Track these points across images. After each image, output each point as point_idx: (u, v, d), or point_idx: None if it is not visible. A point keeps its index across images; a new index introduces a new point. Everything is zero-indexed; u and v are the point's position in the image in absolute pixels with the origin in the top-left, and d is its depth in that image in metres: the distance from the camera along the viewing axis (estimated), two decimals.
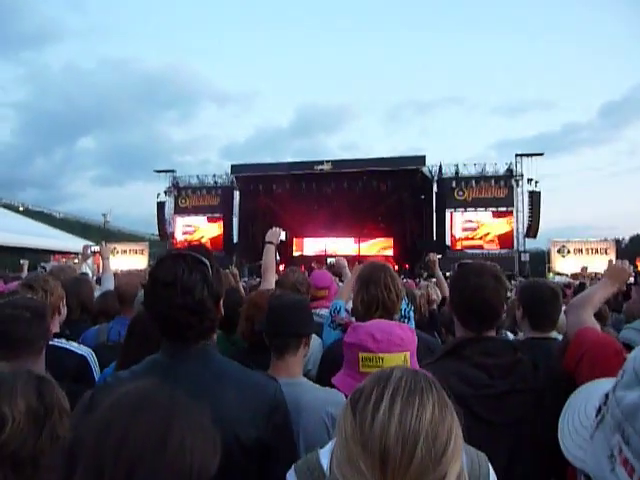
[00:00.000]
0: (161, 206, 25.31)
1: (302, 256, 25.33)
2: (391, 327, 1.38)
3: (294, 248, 26.18)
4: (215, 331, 1.42)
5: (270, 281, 2.83)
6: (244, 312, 2.15)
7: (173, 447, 0.73)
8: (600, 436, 0.47)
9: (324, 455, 1.07)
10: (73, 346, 2.27)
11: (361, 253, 23.55)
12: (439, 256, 4.56)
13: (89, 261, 5.96)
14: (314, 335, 2.25)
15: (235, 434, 1.24)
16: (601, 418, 0.48)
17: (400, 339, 1.34)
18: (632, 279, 2.00)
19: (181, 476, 0.72)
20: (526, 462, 1.38)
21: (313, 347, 2.37)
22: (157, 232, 26.12)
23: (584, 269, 7.38)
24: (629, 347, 1.78)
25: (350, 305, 3.00)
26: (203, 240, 23.21)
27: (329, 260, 22.58)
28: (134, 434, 0.72)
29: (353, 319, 2.72)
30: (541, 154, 22.15)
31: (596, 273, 11.74)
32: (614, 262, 2.07)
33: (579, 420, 0.74)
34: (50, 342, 2.12)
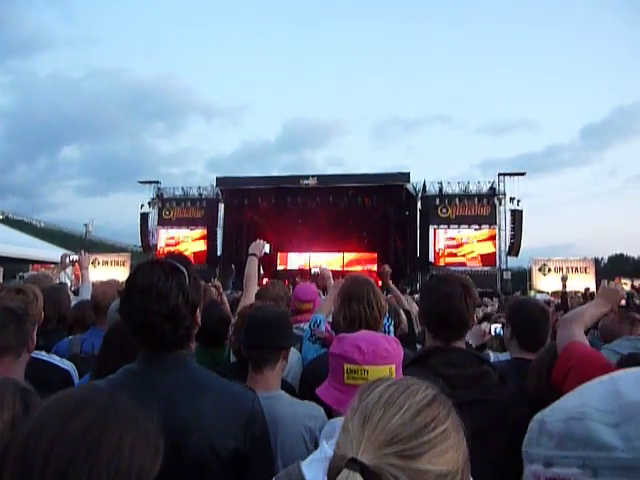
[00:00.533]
0: (144, 217, 25.08)
1: (286, 270, 25.23)
2: (377, 339, 1.36)
3: (278, 262, 26.08)
4: (192, 340, 1.41)
5: (251, 293, 2.81)
6: (236, 326, 2.11)
7: (108, 449, 0.69)
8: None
9: (306, 467, 1.05)
10: (56, 360, 2.22)
11: (345, 268, 23.55)
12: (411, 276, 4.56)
13: (68, 271, 5.86)
14: (293, 349, 2.23)
15: (212, 444, 1.23)
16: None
17: (386, 351, 1.32)
18: (624, 301, 2.02)
19: (118, 479, 0.69)
20: (489, 474, 1.37)
21: (292, 361, 2.35)
22: (140, 243, 25.83)
23: (564, 279, 7.42)
24: None
25: (330, 319, 2.99)
26: (186, 253, 23.02)
27: (313, 270, 22.59)
28: (66, 437, 0.69)
29: (333, 333, 2.71)
30: (523, 174, 22.53)
31: (576, 292, 11.89)
32: (607, 284, 2.13)
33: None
34: (33, 354, 2.07)
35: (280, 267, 25.84)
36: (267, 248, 3.11)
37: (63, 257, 4.63)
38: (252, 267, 2.91)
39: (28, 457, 0.67)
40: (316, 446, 1.62)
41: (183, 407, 1.24)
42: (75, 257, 4.46)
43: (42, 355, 2.19)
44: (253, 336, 1.78)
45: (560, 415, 0.49)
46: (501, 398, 1.50)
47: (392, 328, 2.58)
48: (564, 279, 7.53)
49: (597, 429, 0.44)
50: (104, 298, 2.64)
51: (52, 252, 11.81)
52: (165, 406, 1.20)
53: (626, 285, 17.13)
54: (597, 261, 29.34)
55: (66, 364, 2.22)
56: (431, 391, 0.76)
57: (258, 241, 3.07)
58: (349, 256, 25.38)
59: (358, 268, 23.93)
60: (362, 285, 2.17)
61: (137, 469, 0.71)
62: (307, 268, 24.16)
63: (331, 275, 3.55)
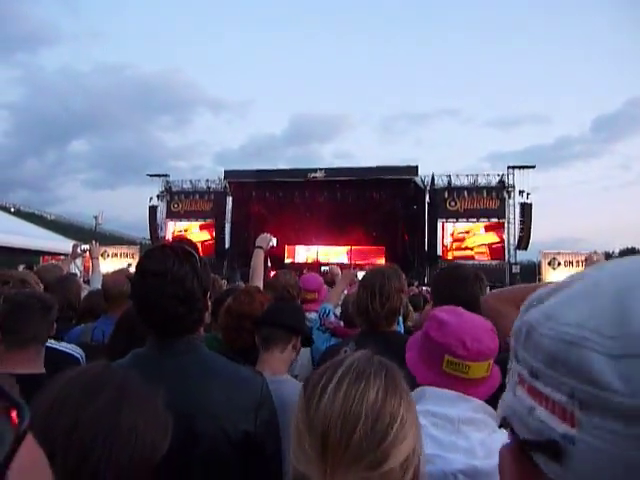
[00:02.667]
0: (153, 210, 25.23)
1: (293, 263, 25.25)
2: (481, 335, 1.30)
3: (285, 255, 26.12)
4: (202, 324, 1.42)
5: (257, 285, 2.81)
6: (224, 318, 2.12)
7: (125, 428, 0.72)
8: (510, 376, 0.46)
9: None
10: (67, 347, 2.24)
11: (352, 261, 23.57)
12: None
13: (78, 262, 5.91)
14: (304, 349, 2.25)
15: (223, 428, 1.24)
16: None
17: (488, 348, 1.28)
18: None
19: (133, 458, 0.72)
20: None
21: (302, 359, 2.37)
22: (148, 236, 25.99)
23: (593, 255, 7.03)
24: None
25: (338, 309, 3.00)
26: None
27: (323, 268, 22.60)
28: (87, 416, 0.71)
29: (341, 323, 2.72)
30: (533, 167, 22.35)
31: None
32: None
33: None
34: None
35: (287, 260, 25.88)
36: (274, 241, 3.12)
37: (74, 247, 4.67)
38: (258, 260, 2.91)
39: (50, 436, 0.68)
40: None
41: (194, 391, 1.25)
42: (86, 247, 4.50)
43: (52, 343, 2.22)
44: (271, 312, 1.84)
45: (552, 331, 0.40)
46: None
47: (401, 319, 2.59)
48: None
49: (593, 360, 0.36)
50: (114, 286, 2.67)
51: (62, 244, 11.89)
52: (176, 390, 1.21)
53: None
54: (608, 255, 29.11)
55: (76, 351, 2.24)
56: (375, 380, 0.74)
57: (265, 234, 3.09)
58: (356, 249, 25.38)
59: (365, 261, 23.95)
60: (384, 276, 2.10)
61: (150, 446, 0.74)
62: (315, 261, 24.20)
63: (340, 273, 3.58)
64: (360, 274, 3.30)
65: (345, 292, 3.17)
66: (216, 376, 1.31)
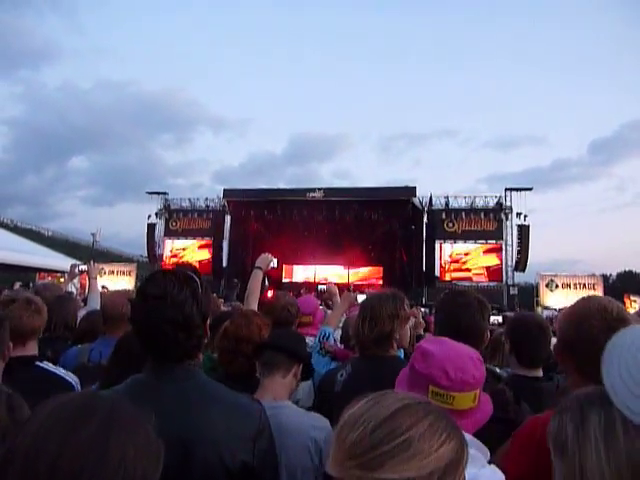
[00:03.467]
0: (151, 228, 25.22)
1: (291, 282, 25.20)
2: (465, 363, 1.29)
3: (283, 274, 26.07)
4: (201, 350, 1.41)
5: (252, 306, 2.79)
6: (219, 339, 2.10)
7: (113, 462, 0.69)
8: None
9: None
10: (61, 372, 2.21)
11: (350, 281, 23.51)
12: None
13: (75, 280, 5.89)
14: (305, 383, 2.25)
15: (220, 456, 1.23)
16: None
17: (473, 377, 1.27)
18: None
19: None
20: None
21: (303, 390, 2.36)
22: (146, 254, 25.94)
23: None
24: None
25: (338, 333, 2.98)
26: (191, 261, 23.10)
27: (320, 287, 22.42)
28: (73, 446, 0.68)
29: (341, 346, 2.71)
30: (530, 189, 22.50)
31: None
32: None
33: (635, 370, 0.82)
34: (40, 365, 2.08)
35: (285, 280, 25.82)
36: (274, 263, 3.11)
37: (72, 267, 4.67)
38: (256, 280, 2.88)
39: (33, 466, 0.66)
40: (320, 456, 1.63)
41: (192, 418, 1.24)
42: (84, 267, 4.49)
43: (48, 366, 2.20)
44: (272, 338, 1.86)
45: None
46: (518, 419, 1.49)
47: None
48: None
49: None
50: (113, 308, 2.66)
51: (59, 261, 11.86)
52: (174, 416, 1.22)
53: (635, 302, 16.96)
54: (605, 277, 29.18)
55: (71, 377, 2.21)
56: (399, 403, 0.80)
57: (266, 255, 3.07)
58: (354, 269, 25.35)
59: (363, 281, 23.89)
60: (382, 301, 2.07)
61: (140, 477, 0.71)
62: (312, 281, 24.12)
63: (337, 292, 3.54)
64: (361, 297, 3.29)
65: (344, 315, 3.15)
66: (215, 403, 1.29)
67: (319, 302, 3.67)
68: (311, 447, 1.65)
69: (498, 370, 3.11)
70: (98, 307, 3.18)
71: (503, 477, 1.07)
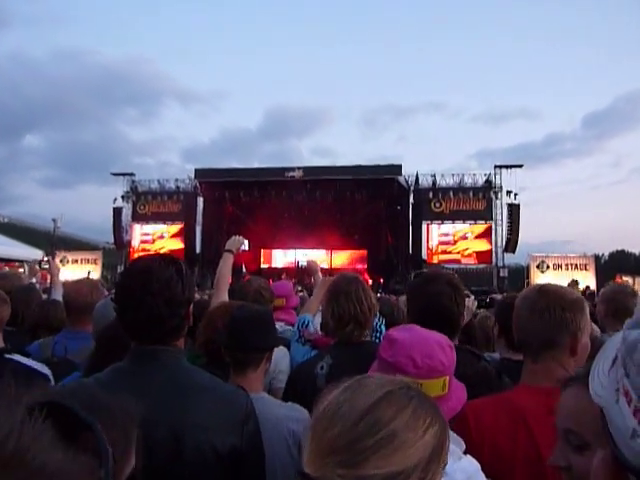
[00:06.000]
0: (117, 212, 24.86)
1: (270, 268, 25.21)
2: (433, 349, 1.32)
3: (262, 260, 26.05)
4: (184, 334, 1.46)
5: (222, 294, 2.80)
6: (202, 326, 2.13)
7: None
8: (613, 372, 0.52)
9: None
10: (36, 364, 2.19)
11: (333, 265, 23.62)
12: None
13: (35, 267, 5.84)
14: (281, 348, 2.27)
15: (210, 441, 1.30)
16: (616, 356, 0.53)
17: (441, 364, 1.29)
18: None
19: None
20: None
21: (280, 357, 2.38)
22: (112, 240, 25.62)
23: (574, 283, 7.42)
24: None
25: (318, 320, 3.01)
26: (163, 251, 22.92)
27: (300, 262, 22.58)
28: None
29: (322, 333, 2.74)
30: (520, 166, 22.78)
31: (587, 286, 11.89)
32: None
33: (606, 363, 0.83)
34: (12, 357, 2.07)
35: (264, 265, 25.81)
36: (245, 245, 3.12)
37: (32, 266, 4.66)
38: (226, 265, 2.89)
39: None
40: (300, 450, 1.66)
41: (180, 405, 1.30)
42: (46, 266, 4.46)
43: (20, 358, 2.17)
44: (236, 337, 1.80)
45: None
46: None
47: (383, 328, 2.62)
48: (574, 282, 7.50)
49: None
50: (78, 297, 2.63)
51: (18, 249, 11.64)
52: (162, 404, 1.28)
53: (627, 282, 17.43)
54: (597, 258, 29.80)
55: (45, 369, 2.20)
56: (380, 391, 0.80)
57: (235, 237, 3.07)
58: (337, 253, 25.45)
59: (346, 265, 24.00)
60: (350, 281, 2.20)
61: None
62: (293, 266, 24.17)
63: (319, 269, 3.54)
64: None
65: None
66: (202, 390, 1.36)
67: (300, 282, 3.69)
68: (289, 440, 1.68)
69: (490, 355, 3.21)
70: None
71: (479, 467, 1.12)
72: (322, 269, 3.55)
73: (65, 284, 3.36)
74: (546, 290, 1.50)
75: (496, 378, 1.69)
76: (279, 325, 2.94)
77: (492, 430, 1.40)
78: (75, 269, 22.58)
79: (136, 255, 19.82)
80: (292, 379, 2.20)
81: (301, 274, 19.67)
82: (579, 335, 1.43)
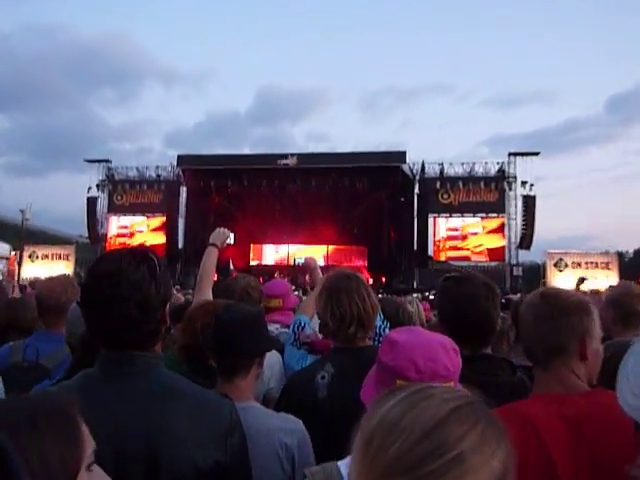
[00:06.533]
0: (92, 203, 24.84)
1: (260, 265, 25.24)
2: (436, 352, 1.32)
3: (251, 256, 26.05)
4: (160, 339, 1.44)
5: (205, 291, 2.80)
6: (180, 328, 2.14)
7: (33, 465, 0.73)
8: None
9: (343, 465, 1.13)
10: None
11: (330, 263, 23.62)
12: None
13: (1, 265, 5.83)
14: (274, 351, 2.27)
15: (190, 456, 1.28)
16: None
17: (445, 369, 1.29)
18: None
19: None
20: None
21: (273, 363, 2.39)
22: (86, 234, 25.59)
23: (580, 281, 7.34)
24: None
25: (316, 321, 3.02)
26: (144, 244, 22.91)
27: (297, 260, 22.54)
28: None
29: (320, 336, 2.75)
30: (536, 153, 22.85)
31: (596, 291, 11.90)
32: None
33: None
34: None
35: (254, 262, 25.81)
36: (231, 238, 3.11)
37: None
38: (210, 260, 2.88)
39: None
40: (293, 464, 1.67)
41: (157, 416, 1.28)
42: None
43: None
44: (221, 341, 1.80)
45: None
46: None
47: (387, 331, 2.64)
48: (581, 281, 7.45)
49: None
50: (51, 297, 2.63)
51: None
52: (135, 415, 1.26)
53: None
54: (621, 255, 29.92)
55: None
56: (447, 405, 0.76)
57: (220, 229, 3.07)
58: (334, 249, 25.46)
59: (345, 262, 24.01)
60: (350, 278, 2.19)
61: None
62: (286, 263, 24.17)
63: (318, 266, 3.55)
64: None
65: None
66: (180, 399, 1.33)
67: (294, 281, 3.69)
68: (281, 453, 1.68)
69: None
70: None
71: None
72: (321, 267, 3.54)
73: (38, 281, 3.35)
74: (548, 295, 1.53)
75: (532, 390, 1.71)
76: (275, 327, 2.94)
77: None
78: (45, 265, 22.56)
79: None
80: (288, 389, 2.18)
81: (295, 272, 19.66)
82: (587, 340, 1.45)
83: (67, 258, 23.99)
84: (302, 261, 3.81)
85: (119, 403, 1.25)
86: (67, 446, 0.78)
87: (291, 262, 23.95)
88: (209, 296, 2.71)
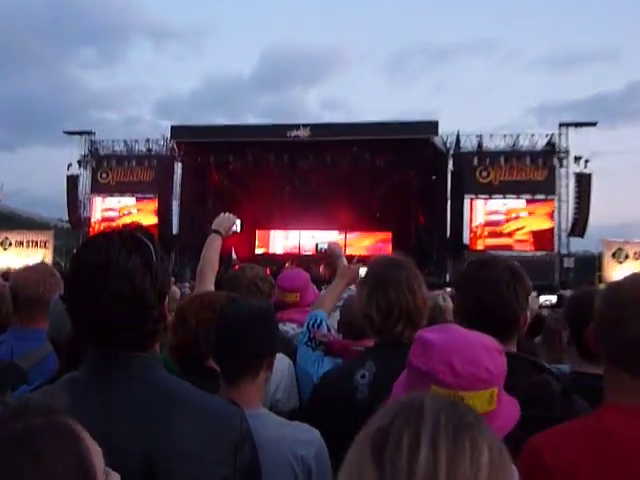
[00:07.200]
0: (73, 181, 25.00)
1: (267, 254, 25.30)
2: (476, 352, 1.31)
3: (256, 243, 26.12)
4: (158, 339, 1.44)
5: (207, 284, 2.81)
6: (171, 325, 2.14)
7: None
8: None
9: None
10: None
11: (348, 252, 23.62)
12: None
13: None
14: (282, 354, 2.28)
15: (194, 474, 1.28)
16: None
17: (487, 372, 1.28)
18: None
19: None
20: None
21: (281, 369, 2.39)
22: (66, 218, 25.79)
23: None
24: None
25: (336, 318, 3.02)
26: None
27: (319, 246, 22.53)
28: None
29: (339, 336, 2.75)
30: (594, 124, 22.56)
31: None
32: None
33: None
34: None
35: (259, 250, 25.88)
36: (238, 225, 3.11)
37: None
38: (213, 248, 2.90)
39: None
40: (309, 478, 1.68)
41: (155, 428, 1.27)
42: None
43: None
44: (225, 340, 1.81)
45: None
46: (566, 416, 1.54)
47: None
48: None
49: None
50: (26, 288, 2.66)
51: None
52: (130, 426, 1.26)
53: None
54: None
55: None
56: (486, 453, 0.73)
57: (225, 214, 3.07)
58: (354, 236, 25.43)
59: (366, 252, 23.96)
60: (399, 266, 2.17)
61: None
62: (297, 252, 24.20)
63: (343, 254, 3.53)
64: (364, 270, 3.30)
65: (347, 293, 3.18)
66: (182, 407, 1.33)
67: (310, 275, 3.65)
68: (296, 467, 1.68)
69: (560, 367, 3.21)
70: None
71: None
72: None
73: (12, 272, 3.39)
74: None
75: (561, 396, 1.68)
76: (290, 327, 2.94)
77: (578, 470, 1.37)
78: (20, 253, 22.84)
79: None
80: (321, 387, 2.20)
81: (307, 263, 19.68)
82: None
83: (44, 245, 24.24)
84: (325, 246, 3.80)
85: (111, 412, 1.25)
86: (75, 468, 0.77)
87: (305, 250, 23.98)
88: (211, 289, 2.73)
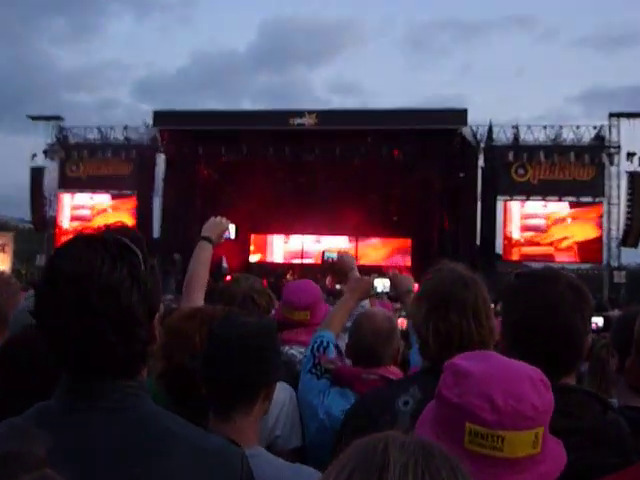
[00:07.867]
0: (37, 175, 25.12)
1: (264, 262, 25.33)
2: (521, 386, 1.30)
3: (252, 249, 26.15)
4: (147, 362, 1.43)
5: (196, 297, 2.81)
6: (160, 347, 2.14)
7: None
8: None
9: None
10: None
11: (361, 261, 23.59)
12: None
13: None
14: (281, 383, 2.27)
15: None
16: None
17: (533, 409, 1.27)
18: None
19: None
20: None
21: (282, 401, 2.39)
22: (29, 217, 25.85)
23: None
24: None
25: (343, 340, 3.01)
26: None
27: (326, 255, 22.19)
28: None
29: (349, 362, 2.74)
30: None
31: None
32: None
33: None
34: None
35: (254, 257, 25.91)
36: (230, 230, 3.11)
37: None
38: (202, 260, 2.91)
39: None
40: None
41: (141, 471, 1.25)
42: None
43: None
44: (216, 364, 1.81)
45: None
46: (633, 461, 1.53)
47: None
48: None
49: None
50: None
51: None
52: (111, 470, 1.23)
53: None
54: None
55: None
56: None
57: (216, 218, 3.08)
58: (367, 243, 25.43)
59: (381, 260, 23.94)
60: (468, 286, 2.13)
61: None
62: (299, 261, 24.19)
63: (355, 266, 3.52)
64: (379, 282, 3.28)
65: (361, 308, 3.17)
66: (174, 446, 1.30)
67: (325, 284, 3.64)
68: None
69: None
70: None
71: None
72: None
73: None
74: None
75: (632, 438, 1.66)
76: (298, 351, 2.91)
77: None
78: None
79: (65, 239, 19.87)
80: (355, 413, 2.20)
81: (314, 273, 19.65)
82: None
83: (2, 249, 24.32)
84: (334, 256, 3.76)
85: (88, 452, 1.23)
86: None
87: (308, 257, 23.95)
88: (200, 303, 2.73)
